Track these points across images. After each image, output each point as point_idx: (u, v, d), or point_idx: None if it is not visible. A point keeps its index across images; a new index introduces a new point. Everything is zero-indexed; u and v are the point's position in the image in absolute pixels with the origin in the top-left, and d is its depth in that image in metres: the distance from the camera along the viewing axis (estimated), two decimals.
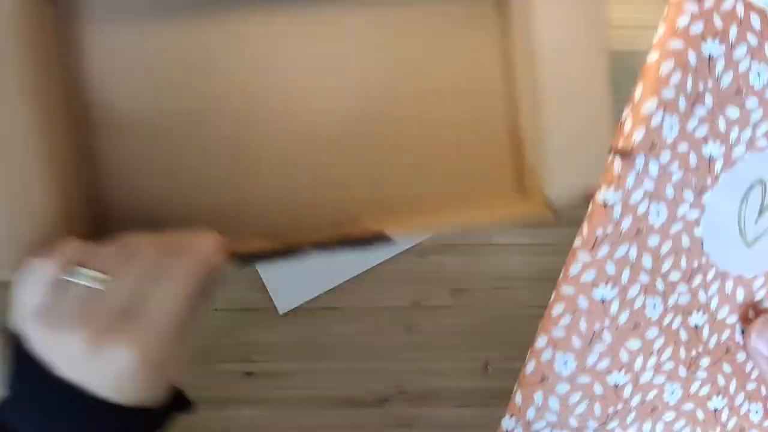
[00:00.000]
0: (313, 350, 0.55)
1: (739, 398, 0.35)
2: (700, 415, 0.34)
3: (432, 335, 0.55)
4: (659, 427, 0.33)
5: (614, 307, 0.31)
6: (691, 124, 0.30)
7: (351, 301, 0.55)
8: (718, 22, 0.29)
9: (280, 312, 0.55)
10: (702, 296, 0.33)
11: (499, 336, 0.54)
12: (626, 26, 0.58)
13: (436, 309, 0.55)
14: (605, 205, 0.30)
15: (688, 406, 0.34)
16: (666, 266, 0.32)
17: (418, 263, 0.56)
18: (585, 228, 0.31)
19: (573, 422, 0.32)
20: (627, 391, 0.32)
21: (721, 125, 0.31)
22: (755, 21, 0.30)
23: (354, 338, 0.55)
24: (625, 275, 0.31)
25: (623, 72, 0.57)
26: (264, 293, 0.55)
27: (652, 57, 0.30)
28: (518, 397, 0.32)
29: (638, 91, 0.30)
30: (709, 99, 0.30)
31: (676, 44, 0.29)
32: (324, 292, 0.55)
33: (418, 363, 0.55)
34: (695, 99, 0.30)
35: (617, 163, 0.30)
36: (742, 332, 0.34)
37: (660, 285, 0.32)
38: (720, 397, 0.34)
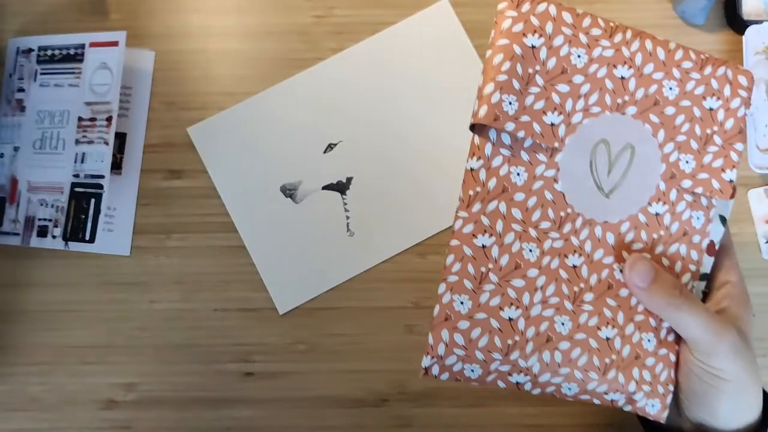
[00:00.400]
0: (313, 350, 0.55)
1: (629, 328, 0.39)
2: (593, 343, 0.38)
3: None
4: (557, 355, 0.37)
5: (494, 252, 0.37)
6: (528, 100, 0.37)
7: (351, 301, 0.55)
8: (535, 21, 0.38)
9: (280, 312, 0.55)
10: (574, 241, 0.38)
11: None
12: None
13: None
14: (472, 171, 0.38)
15: (580, 335, 0.38)
16: (535, 217, 0.38)
17: (418, 263, 0.56)
18: (461, 192, 0.38)
19: (479, 355, 0.37)
20: (521, 324, 0.37)
21: (556, 98, 0.38)
22: (567, 17, 0.38)
23: (354, 338, 0.55)
24: (499, 225, 0.38)
25: None
26: (264, 293, 0.56)
27: (488, 53, 0.38)
28: (430, 338, 0.37)
29: (481, 80, 0.37)
30: (539, 79, 0.38)
31: (503, 41, 0.37)
32: (324, 292, 0.55)
33: (418, 363, 0.54)
34: (527, 80, 0.37)
35: (475, 138, 0.38)
36: (621, 271, 0.39)
37: (533, 232, 0.38)
38: (609, 327, 0.38)
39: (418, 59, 0.58)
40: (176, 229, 0.56)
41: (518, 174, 0.38)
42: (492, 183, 0.38)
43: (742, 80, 0.40)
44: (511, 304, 0.37)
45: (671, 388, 0.39)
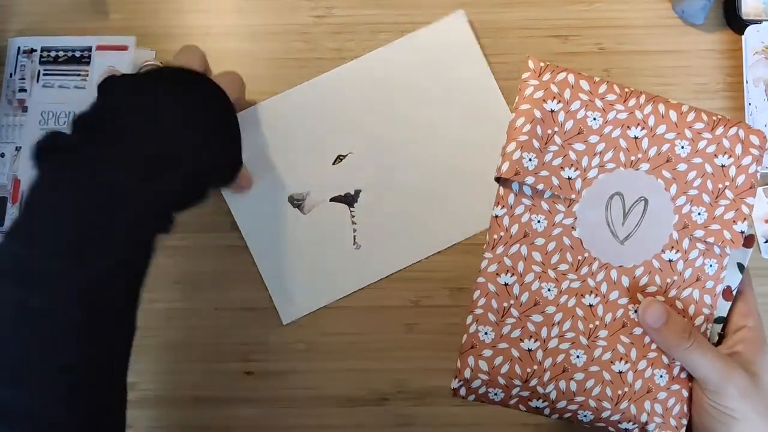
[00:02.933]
0: (313, 350, 0.55)
1: (642, 364, 0.41)
2: (606, 375, 0.41)
3: (431, 335, 0.55)
4: (572, 385, 0.41)
5: (516, 290, 0.41)
6: (547, 157, 0.41)
7: (351, 301, 0.55)
8: (554, 89, 0.42)
9: (284, 322, 0.55)
10: (591, 282, 0.42)
11: None
12: (626, 26, 0.58)
13: (436, 309, 0.55)
14: (496, 217, 0.42)
15: (594, 368, 0.41)
16: (554, 260, 0.42)
17: (418, 263, 0.56)
18: (488, 235, 0.42)
19: (501, 380, 0.41)
20: (539, 355, 0.41)
21: (572, 156, 0.42)
22: (584, 85, 0.42)
23: (354, 337, 0.55)
24: (520, 266, 0.41)
25: (622, 71, 0.57)
26: (264, 293, 0.56)
27: (512, 117, 0.42)
28: (458, 363, 0.41)
29: (505, 140, 0.42)
30: (557, 139, 0.42)
31: (525, 106, 0.42)
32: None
33: (418, 362, 0.55)
34: (546, 140, 0.41)
35: (500, 189, 0.42)
36: (636, 311, 0.41)
37: (551, 273, 0.42)
38: (623, 362, 0.41)
39: (430, 71, 0.57)
40: (177, 229, 0.56)
41: (538, 221, 0.42)
42: (514, 228, 0.42)
43: (754, 140, 0.42)
44: (531, 336, 0.41)
45: (684, 422, 0.41)
